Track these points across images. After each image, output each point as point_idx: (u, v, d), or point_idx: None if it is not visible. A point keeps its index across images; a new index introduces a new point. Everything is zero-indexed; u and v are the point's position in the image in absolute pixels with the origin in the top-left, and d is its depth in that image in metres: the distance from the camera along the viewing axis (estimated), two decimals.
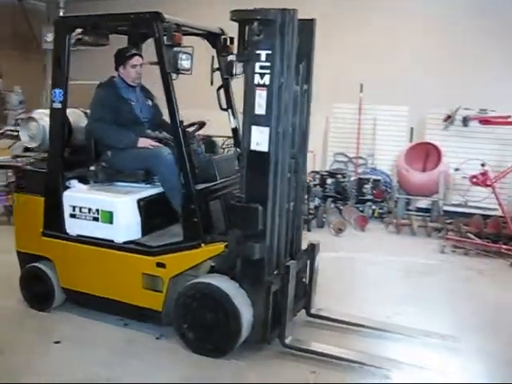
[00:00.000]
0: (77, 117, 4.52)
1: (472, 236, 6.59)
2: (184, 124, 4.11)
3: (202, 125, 4.40)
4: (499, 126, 7.68)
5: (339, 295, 4.83)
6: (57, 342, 3.90)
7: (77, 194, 4.14)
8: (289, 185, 3.85)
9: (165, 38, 3.68)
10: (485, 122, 7.44)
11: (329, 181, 8.02)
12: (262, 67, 3.51)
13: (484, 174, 6.58)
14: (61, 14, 10.62)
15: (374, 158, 8.78)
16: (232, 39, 4.39)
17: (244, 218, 3.65)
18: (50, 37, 10.22)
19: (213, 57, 4.39)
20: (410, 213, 7.92)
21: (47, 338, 3.95)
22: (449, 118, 8.14)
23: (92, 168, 4.31)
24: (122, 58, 4.33)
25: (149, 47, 4.49)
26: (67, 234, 4.17)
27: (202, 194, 3.85)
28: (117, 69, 4.36)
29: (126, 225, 4.02)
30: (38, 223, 4.26)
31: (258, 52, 3.51)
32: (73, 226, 4.15)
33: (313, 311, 4.32)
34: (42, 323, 4.21)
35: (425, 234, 7.17)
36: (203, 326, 3.71)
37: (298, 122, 3.98)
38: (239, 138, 4.62)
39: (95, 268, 4.10)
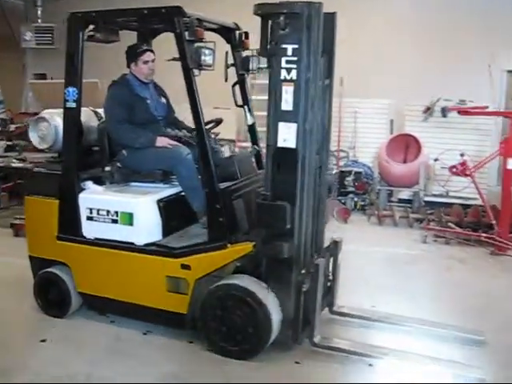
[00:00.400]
0: (87, 116, 4.37)
1: (453, 225, 6.71)
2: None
3: (218, 122, 4.31)
4: (477, 116, 7.76)
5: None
6: (43, 341, 3.85)
7: (94, 196, 4.02)
8: (314, 182, 3.79)
9: (186, 33, 3.58)
10: (463, 112, 7.49)
11: None
12: (288, 62, 3.43)
13: (463, 163, 6.68)
14: (39, 12, 10.36)
15: (356, 151, 8.77)
16: (247, 34, 4.31)
17: (271, 217, 3.57)
18: (28, 35, 10.13)
19: (227, 52, 4.28)
20: (392, 204, 7.97)
21: (35, 338, 3.91)
22: (428, 110, 8.26)
23: (107, 168, 4.18)
24: (133, 55, 4.21)
25: (162, 43, 4.40)
26: (84, 237, 4.05)
27: (226, 193, 3.76)
28: (128, 66, 4.24)
29: (147, 226, 3.91)
30: (53, 227, 4.12)
31: (284, 46, 3.42)
32: (90, 229, 4.02)
33: (335, 308, 4.26)
34: (29, 322, 4.17)
35: (407, 224, 7.27)
36: (232, 328, 3.63)
37: (320, 118, 3.91)
38: (256, 135, 4.54)
39: (115, 272, 3.99)
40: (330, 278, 4.11)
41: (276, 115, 3.52)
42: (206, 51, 3.61)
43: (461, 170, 6.68)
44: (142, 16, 3.80)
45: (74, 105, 3.95)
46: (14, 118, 9.01)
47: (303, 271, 3.68)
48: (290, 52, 3.42)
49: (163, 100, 4.36)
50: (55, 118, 4.24)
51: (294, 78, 3.43)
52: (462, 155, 6.74)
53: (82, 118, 4.28)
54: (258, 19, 3.54)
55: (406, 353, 3.66)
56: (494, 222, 6.31)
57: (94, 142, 4.38)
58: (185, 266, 3.76)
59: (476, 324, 4.14)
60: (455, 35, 9.20)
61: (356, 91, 8.43)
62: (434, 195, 8.02)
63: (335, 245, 4.19)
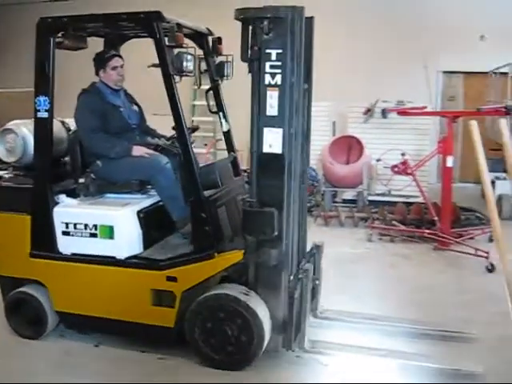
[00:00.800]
0: (54, 126, 4.17)
1: (396, 223, 6.96)
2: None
3: (194, 129, 4.22)
4: (416, 116, 8.06)
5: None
6: None
7: (70, 210, 3.84)
8: (299, 186, 3.77)
9: (165, 38, 3.49)
10: (403, 113, 7.75)
11: None
12: (272, 66, 3.40)
13: (404, 163, 6.89)
14: None
15: None
16: (220, 39, 4.25)
17: (258, 224, 3.52)
18: None
19: (200, 58, 4.20)
20: (337, 205, 8.13)
21: None
22: (368, 111, 8.59)
23: (81, 180, 4.01)
24: (101, 61, 4.07)
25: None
26: (60, 253, 3.86)
27: (210, 202, 3.68)
28: (97, 73, 4.09)
29: (128, 239, 3.77)
30: (25, 244, 3.91)
31: (268, 51, 3.39)
32: (66, 245, 3.84)
33: (319, 311, 4.26)
34: None
35: (352, 224, 7.48)
36: (223, 338, 3.55)
37: (300, 123, 3.90)
38: (232, 141, 4.48)
39: (95, 287, 3.82)
40: (317, 282, 4.09)
41: (261, 121, 3.48)
42: (188, 57, 3.52)
43: (402, 169, 6.88)
44: (121, 21, 3.66)
45: (45, 114, 3.75)
46: None
47: (292, 277, 3.66)
48: (274, 57, 3.38)
49: (135, 108, 4.24)
50: (22, 129, 4.03)
51: (279, 82, 3.40)
52: (403, 155, 6.96)
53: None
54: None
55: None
56: (436, 218, 6.54)
57: (63, 153, 4.21)
58: (171, 278, 3.65)
59: (419, 317, 4.28)
60: (391, 38, 9.56)
61: None
62: (378, 194, 8.33)
63: (317, 249, 4.18)
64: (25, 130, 4.03)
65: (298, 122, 3.63)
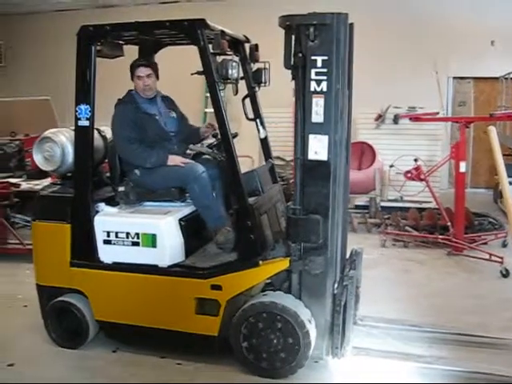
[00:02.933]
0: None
1: (410, 229, 6.96)
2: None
3: (233, 137, 4.20)
4: (428, 122, 8.04)
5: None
6: (10, 365, 3.73)
7: (111, 218, 3.82)
8: (344, 193, 3.75)
9: (210, 46, 3.47)
10: (415, 119, 7.71)
11: None
12: (318, 73, 3.39)
13: (417, 168, 6.83)
14: None
15: None
16: (257, 46, 4.24)
17: (304, 231, 3.51)
18: None
19: (237, 65, 4.19)
20: (350, 210, 7.90)
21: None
22: (380, 117, 8.54)
23: (121, 189, 3.99)
24: (131, 70, 4.05)
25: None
26: (101, 262, 3.84)
27: (255, 209, 3.66)
28: (132, 81, 4.08)
29: (171, 247, 3.75)
30: (65, 253, 3.89)
31: (313, 58, 3.38)
32: (108, 253, 3.82)
33: (359, 318, 4.23)
34: None
35: (365, 230, 7.46)
36: (269, 347, 3.53)
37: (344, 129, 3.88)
38: (269, 148, 4.47)
39: (137, 296, 3.80)
40: (358, 288, 4.06)
41: (306, 128, 3.47)
42: (233, 64, 3.51)
43: (415, 174, 6.81)
44: (165, 28, 3.64)
45: (86, 123, 3.74)
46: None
47: (336, 284, 3.64)
48: (319, 63, 3.37)
49: (173, 114, 4.19)
50: (61, 138, 4.01)
51: (325, 89, 3.39)
52: (415, 160, 6.91)
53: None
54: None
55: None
56: (449, 223, 6.51)
57: (99, 162, 4.20)
58: (215, 287, 3.62)
59: (434, 321, 4.29)
60: (402, 43, 9.53)
61: None
62: (390, 200, 8.28)
63: (357, 255, 4.16)
64: (63, 138, 4.01)
65: (343, 129, 3.61)
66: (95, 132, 4.24)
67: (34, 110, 9.12)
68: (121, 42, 4.04)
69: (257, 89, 4.31)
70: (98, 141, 4.23)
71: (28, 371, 3.68)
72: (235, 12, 9.86)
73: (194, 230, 3.92)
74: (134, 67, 4.02)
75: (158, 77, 4.05)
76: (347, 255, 4.13)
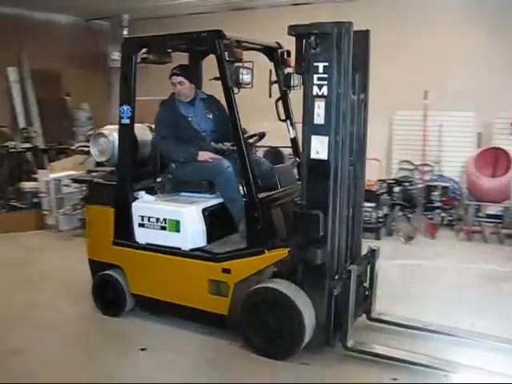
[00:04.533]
0: (142, 131, 4.77)
1: None
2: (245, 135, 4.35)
3: (262, 136, 4.57)
4: None
5: (412, 303, 4.83)
6: (143, 349, 4.03)
7: (145, 205, 4.38)
8: (348, 191, 3.96)
9: (226, 54, 3.88)
10: None
11: (396, 189, 7.91)
12: (319, 79, 3.65)
13: None
14: (125, 32, 10.86)
15: (441, 165, 8.60)
16: (289, 52, 4.54)
17: (306, 225, 3.78)
18: (115, 55, 10.59)
19: (270, 70, 4.54)
20: (480, 219, 7.67)
21: (132, 345, 4.11)
22: None
23: (159, 179, 4.53)
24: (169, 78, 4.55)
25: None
26: (136, 242, 4.41)
27: (264, 202, 4.01)
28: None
29: (193, 233, 4.21)
30: (109, 233, 4.51)
31: (315, 64, 3.64)
32: (142, 235, 4.38)
33: (374, 315, 4.39)
34: (120, 330, 4.40)
35: (497, 240, 7.07)
36: (267, 329, 3.85)
37: (355, 131, 4.09)
38: (298, 147, 4.76)
39: (163, 274, 4.32)
40: (365, 284, 4.23)
41: (309, 129, 3.74)
42: (244, 71, 3.88)
43: None
44: (188, 39, 4.13)
45: (127, 121, 4.33)
46: None
47: (336, 277, 3.87)
48: (321, 69, 3.63)
49: (209, 115, 4.63)
50: (113, 134, 4.64)
51: (325, 93, 3.64)
52: None
53: (137, 133, 4.68)
54: None
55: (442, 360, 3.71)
56: None
57: (147, 156, 4.76)
58: (225, 270, 4.03)
59: None
60: None
61: (441, 104, 8.41)
62: None
63: (372, 253, 4.33)
64: (115, 134, 4.63)
65: (347, 131, 3.83)
66: (148, 129, 4.87)
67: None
68: (168, 50, 4.57)
69: (288, 92, 4.62)
70: (148, 137, 4.82)
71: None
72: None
73: (218, 220, 4.34)
74: (169, 75, 4.52)
75: (192, 82, 4.51)
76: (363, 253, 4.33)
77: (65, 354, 4.05)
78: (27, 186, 7.92)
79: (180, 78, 4.45)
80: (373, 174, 7.80)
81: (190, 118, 4.50)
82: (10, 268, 5.95)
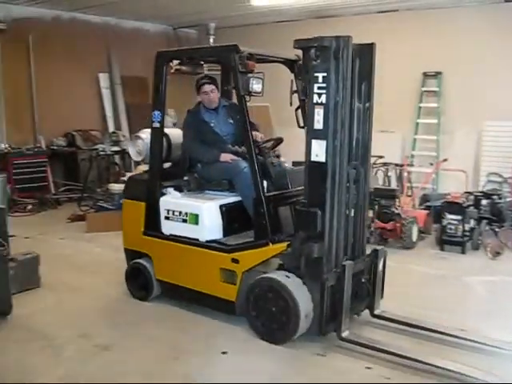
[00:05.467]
0: (176, 135, 5.29)
1: None
2: (263, 140, 4.79)
3: (278, 140, 4.96)
4: None
5: (501, 319, 4.82)
6: (224, 353, 4.16)
7: (171, 199, 4.89)
8: (348, 193, 4.27)
9: (239, 66, 4.32)
10: None
11: (483, 202, 7.55)
12: (319, 88, 4.02)
13: None
14: (211, 40, 11.21)
15: None
16: None
17: (306, 221, 4.14)
18: None
19: (292, 80, 4.93)
20: None
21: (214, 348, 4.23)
22: None
23: (185, 178, 5.04)
24: (197, 87, 5.03)
25: None
26: (162, 233, 4.92)
27: (270, 200, 4.40)
28: (198, 95, 5.08)
29: (209, 226, 4.67)
30: (140, 224, 5.06)
31: (315, 75, 4.02)
32: (167, 227, 4.89)
33: (377, 312, 4.64)
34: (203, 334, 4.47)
35: None
36: (268, 315, 4.22)
37: (361, 137, 4.40)
38: None
39: (183, 263, 4.80)
40: (363, 280, 4.48)
41: (310, 133, 4.11)
42: (254, 80, 4.30)
43: None
44: (210, 52, 4.62)
45: (158, 125, 4.87)
46: None
47: (333, 271, 4.18)
48: (320, 79, 4.00)
49: (230, 121, 5.08)
50: (148, 136, 5.19)
51: (324, 101, 4.00)
52: None
53: (172, 137, 5.23)
54: None
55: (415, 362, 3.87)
56: None
57: (179, 157, 5.28)
58: (234, 260, 4.45)
59: None
60: None
61: None
62: None
63: (375, 253, 4.58)
64: (149, 136, 5.18)
65: (345, 136, 4.14)
66: (181, 133, 5.39)
67: (255, 115, 10.14)
68: (200, 61, 5.10)
69: (306, 101, 4.98)
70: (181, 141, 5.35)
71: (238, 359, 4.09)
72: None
73: (235, 215, 4.77)
74: (200, 84, 4.99)
75: (218, 89, 5.00)
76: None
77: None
78: (115, 187, 8.25)
79: (212, 87, 4.94)
80: (459, 185, 8.01)
81: (212, 124, 4.98)
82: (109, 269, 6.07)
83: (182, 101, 11.28)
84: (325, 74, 3.98)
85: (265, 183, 4.65)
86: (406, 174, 8.11)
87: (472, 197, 7.64)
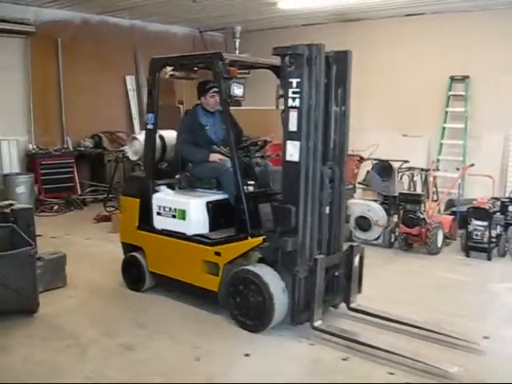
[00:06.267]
0: (171, 137, 5.63)
1: None
2: (249, 141, 5.10)
3: (264, 143, 5.26)
4: None
5: None
6: (247, 355, 4.19)
7: (162, 196, 5.23)
8: (322, 191, 4.53)
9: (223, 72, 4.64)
10: None
11: (510, 208, 7.46)
12: (293, 92, 4.31)
13: None
14: (237, 43, 11.57)
15: None
16: None
17: (281, 217, 4.43)
18: None
19: (277, 85, 5.21)
20: None
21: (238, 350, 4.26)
22: None
23: (177, 176, 5.38)
24: (202, 90, 5.35)
25: None
26: (154, 227, 5.26)
27: (250, 197, 4.71)
28: (199, 98, 5.41)
29: (196, 221, 4.98)
30: (135, 219, 5.41)
31: (290, 80, 4.31)
32: (158, 222, 5.23)
33: (352, 306, 4.88)
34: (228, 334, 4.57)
35: None
36: (246, 305, 4.51)
37: (337, 138, 4.68)
38: None
39: (172, 255, 5.13)
40: (336, 274, 4.72)
41: (285, 135, 4.40)
42: (235, 86, 4.62)
43: None
44: (197, 59, 4.96)
45: (151, 127, 5.22)
46: None
47: (305, 264, 4.45)
48: (294, 84, 4.30)
49: (223, 126, 5.38)
50: (144, 137, 5.55)
51: (298, 105, 4.29)
52: None
53: (167, 139, 5.57)
54: None
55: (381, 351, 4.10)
56: None
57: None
58: (217, 253, 4.76)
59: None
60: None
61: None
62: None
63: (351, 249, 4.83)
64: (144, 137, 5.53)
65: (318, 138, 4.42)
66: (175, 135, 5.73)
67: (264, 118, 10.22)
68: (193, 67, 5.43)
69: None
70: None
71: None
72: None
73: (221, 212, 5.07)
74: (207, 88, 5.30)
75: None
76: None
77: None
78: None
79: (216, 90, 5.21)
80: (485, 191, 7.91)
81: (207, 127, 5.29)
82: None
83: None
84: (298, 80, 4.27)
85: (252, 182, 4.99)
86: (431, 179, 8.06)
87: (498, 202, 7.47)
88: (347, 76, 4.63)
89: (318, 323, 4.44)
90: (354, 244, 4.89)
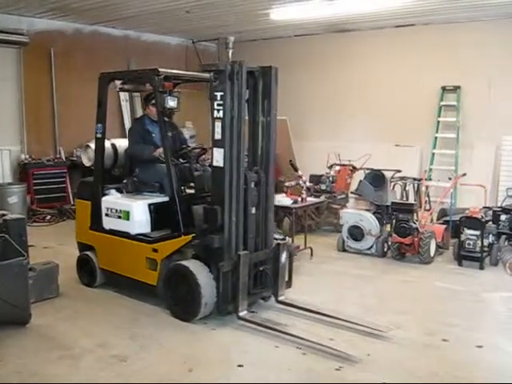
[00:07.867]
0: (122, 145, 6.12)
1: None
2: (189, 148, 5.59)
3: (202, 149, 5.76)
4: None
5: None
6: (240, 366, 4.20)
7: (110, 199, 5.71)
8: (247, 193, 5.00)
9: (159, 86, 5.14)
10: None
11: (502, 217, 7.37)
12: (218, 104, 4.81)
13: None
14: (230, 54, 10.71)
15: None
16: None
17: (209, 216, 4.91)
18: None
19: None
20: None
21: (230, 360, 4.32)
22: None
23: (125, 181, 5.86)
24: (146, 100, 5.88)
25: None
26: (103, 228, 5.74)
27: (182, 199, 5.20)
28: (144, 108, 5.91)
29: (138, 221, 5.46)
30: (88, 220, 5.90)
31: (215, 93, 4.81)
32: (107, 222, 5.71)
33: (280, 299, 5.34)
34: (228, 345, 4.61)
35: None
36: (178, 297, 4.99)
37: (264, 145, 5.17)
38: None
39: (118, 253, 5.61)
40: (261, 269, 5.18)
41: (212, 143, 4.89)
42: (170, 98, 5.12)
43: None
44: (137, 75, 5.47)
45: (100, 136, 5.73)
46: None
47: (230, 259, 4.92)
48: (218, 97, 4.79)
49: (169, 133, 5.88)
50: None
51: (221, 116, 4.79)
52: None
53: (118, 146, 6.07)
54: None
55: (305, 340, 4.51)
56: None
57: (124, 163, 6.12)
58: (155, 250, 5.24)
59: None
60: None
61: None
62: None
63: (277, 246, 5.29)
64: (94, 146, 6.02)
65: (241, 145, 4.90)
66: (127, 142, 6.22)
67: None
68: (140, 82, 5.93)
69: None
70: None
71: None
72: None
73: (161, 213, 5.54)
74: (150, 99, 5.83)
75: None
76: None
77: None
78: None
79: None
80: (478, 200, 7.98)
81: (154, 134, 5.78)
82: None
83: (197, 115, 11.55)
84: (222, 93, 4.76)
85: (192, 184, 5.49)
86: (424, 189, 8.05)
87: (491, 212, 7.46)
88: (271, 89, 5.12)
89: (243, 313, 4.91)
90: (281, 242, 5.36)
